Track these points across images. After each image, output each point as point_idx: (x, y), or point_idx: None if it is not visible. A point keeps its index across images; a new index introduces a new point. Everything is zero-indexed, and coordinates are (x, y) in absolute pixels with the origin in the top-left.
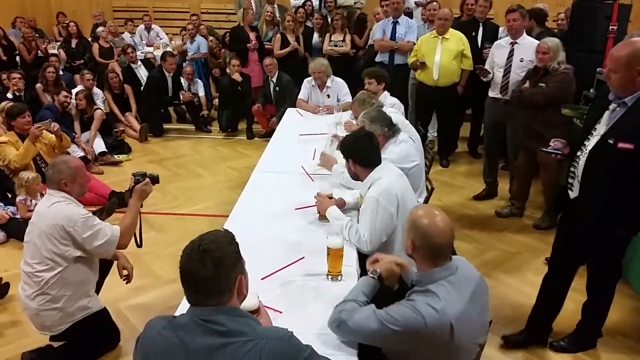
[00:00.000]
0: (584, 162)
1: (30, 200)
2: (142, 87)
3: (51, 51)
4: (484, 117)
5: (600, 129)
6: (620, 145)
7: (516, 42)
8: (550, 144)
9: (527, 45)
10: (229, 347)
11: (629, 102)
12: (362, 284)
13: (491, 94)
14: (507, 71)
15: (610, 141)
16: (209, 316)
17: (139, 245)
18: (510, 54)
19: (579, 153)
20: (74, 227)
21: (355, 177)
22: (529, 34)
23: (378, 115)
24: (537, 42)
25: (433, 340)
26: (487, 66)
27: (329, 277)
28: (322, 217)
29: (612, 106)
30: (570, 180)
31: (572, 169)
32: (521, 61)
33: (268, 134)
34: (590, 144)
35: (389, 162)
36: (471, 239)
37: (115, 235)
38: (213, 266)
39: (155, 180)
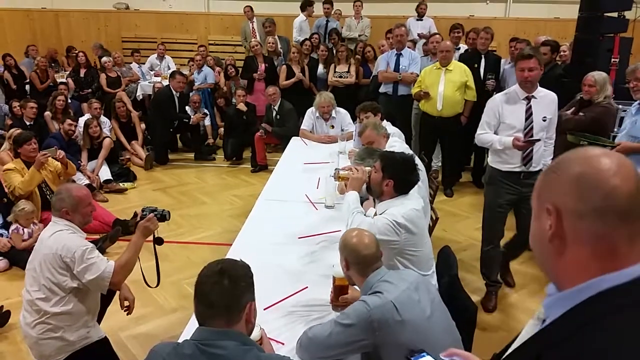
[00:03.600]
0: None
1: (23, 230)
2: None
3: (60, 80)
4: (488, 200)
5: None
6: None
7: (533, 96)
8: None
9: (547, 100)
10: None
11: None
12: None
13: (503, 166)
14: (528, 135)
15: None
16: (215, 339)
17: (155, 285)
18: (529, 112)
19: None
20: (71, 258)
21: (378, 193)
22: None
23: (368, 151)
24: (554, 95)
25: (385, 322)
26: (484, 127)
27: (334, 308)
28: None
29: None
30: None
31: None
32: (544, 120)
33: (261, 168)
34: None
35: (416, 193)
36: (476, 270)
37: (108, 271)
38: (229, 283)
39: (163, 217)
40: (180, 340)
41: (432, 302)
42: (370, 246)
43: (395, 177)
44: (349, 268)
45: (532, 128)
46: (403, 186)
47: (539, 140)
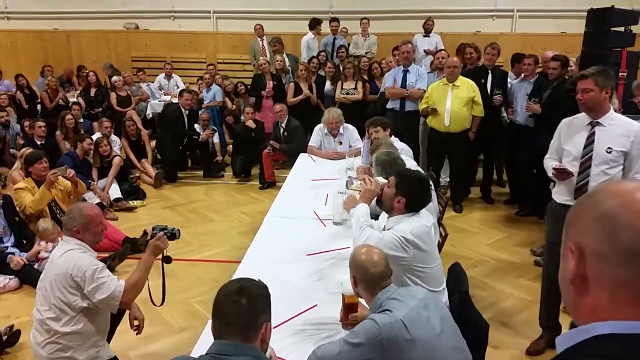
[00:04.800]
0: None
1: (48, 243)
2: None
3: (71, 99)
4: (545, 234)
5: None
6: None
7: (599, 123)
8: None
9: (622, 129)
10: None
11: None
12: None
13: (559, 198)
14: (585, 165)
15: None
16: (230, 353)
17: (160, 304)
18: (590, 139)
19: None
20: (82, 277)
21: (388, 208)
22: (550, 80)
23: (387, 161)
24: (635, 123)
25: (395, 340)
26: (551, 154)
27: (344, 326)
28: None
29: None
30: None
31: None
32: (608, 152)
33: (269, 184)
34: None
35: (427, 212)
36: (487, 286)
37: (119, 291)
38: (247, 301)
39: (173, 236)
40: None
41: (442, 319)
42: (379, 264)
43: (408, 195)
44: (357, 285)
45: (590, 158)
46: (414, 205)
47: (568, 171)
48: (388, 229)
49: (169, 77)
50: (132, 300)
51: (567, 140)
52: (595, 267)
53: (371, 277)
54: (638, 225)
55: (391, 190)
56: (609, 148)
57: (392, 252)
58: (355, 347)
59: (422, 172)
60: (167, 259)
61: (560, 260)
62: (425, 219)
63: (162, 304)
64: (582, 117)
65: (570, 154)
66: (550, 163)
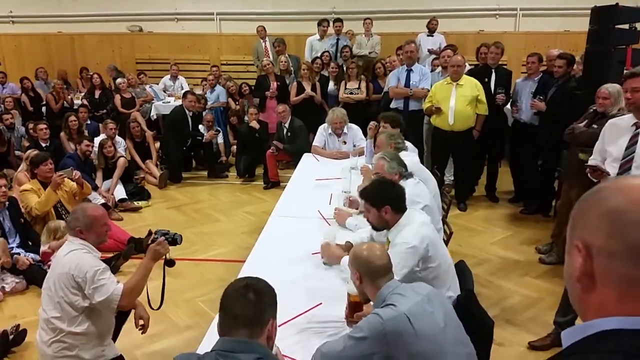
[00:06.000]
0: None
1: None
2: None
3: (76, 102)
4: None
5: None
6: None
7: None
8: None
9: None
10: None
11: None
12: None
13: None
14: (625, 167)
15: None
16: (235, 350)
17: (158, 307)
18: (633, 140)
19: None
20: (83, 278)
21: (384, 225)
22: (555, 78)
23: (396, 155)
24: None
25: (399, 334)
26: (595, 154)
27: (349, 324)
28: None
29: None
30: None
31: None
32: None
33: (273, 184)
34: None
35: (414, 209)
36: (492, 284)
37: (116, 294)
38: (254, 296)
39: (174, 241)
40: None
41: (446, 315)
42: (382, 257)
43: (390, 201)
44: (362, 281)
45: (631, 159)
46: (398, 204)
47: (602, 170)
48: (394, 242)
49: (174, 78)
50: (130, 305)
51: (611, 141)
52: (603, 265)
53: (376, 269)
54: None
55: (372, 211)
56: None
57: (406, 269)
58: (359, 341)
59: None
60: (170, 263)
61: (566, 257)
62: (422, 216)
63: (159, 307)
64: (627, 119)
65: (612, 155)
66: (590, 162)
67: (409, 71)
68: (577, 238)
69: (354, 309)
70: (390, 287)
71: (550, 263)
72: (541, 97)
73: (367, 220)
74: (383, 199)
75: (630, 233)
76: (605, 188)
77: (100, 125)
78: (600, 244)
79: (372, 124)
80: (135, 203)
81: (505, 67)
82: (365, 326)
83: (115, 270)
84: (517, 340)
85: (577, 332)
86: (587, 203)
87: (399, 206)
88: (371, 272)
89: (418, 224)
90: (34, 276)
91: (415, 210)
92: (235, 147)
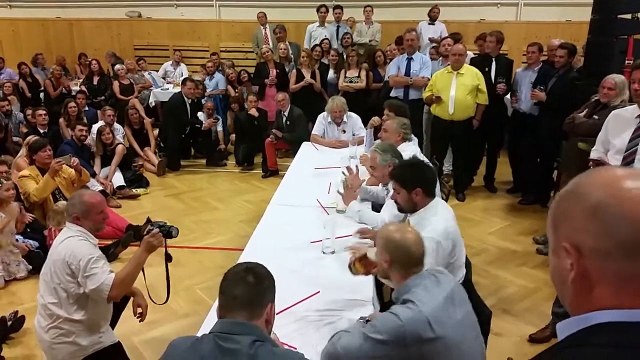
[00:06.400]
0: None
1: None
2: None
3: (74, 88)
4: None
5: None
6: None
7: None
8: None
9: None
10: None
11: None
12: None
13: None
14: (628, 159)
15: None
16: (233, 332)
17: (164, 302)
18: (637, 133)
19: None
20: (77, 265)
21: (412, 207)
22: (556, 69)
23: (390, 147)
24: None
25: (418, 337)
26: (597, 145)
27: (354, 272)
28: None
29: None
30: None
31: None
32: None
33: (272, 173)
34: None
35: (439, 199)
36: (489, 274)
37: (107, 284)
38: (254, 279)
39: (169, 234)
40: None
41: (466, 310)
42: (419, 244)
43: (422, 183)
44: (391, 266)
45: (635, 151)
46: (430, 187)
47: (604, 162)
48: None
49: (177, 64)
50: (120, 295)
51: (614, 133)
52: (596, 264)
53: (410, 258)
54: (633, 215)
55: (402, 192)
56: None
57: (444, 255)
58: (378, 344)
59: (426, 160)
60: (169, 257)
61: (551, 257)
62: (445, 211)
63: (165, 302)
64: (631, 110)
65: (615, 147)
66: (592, 155)
67: (409, 60)
68: (564, 239)
69: (365, 265)
70: (418, 279)
71: (547, 254)
72: (541, 87)
73: (395, 201)
74: (416, 180)
75: (617, 229)
76: (583, 183)
77: (99, 111)
78: (591, 245)
79: (375, 119)
80: (134, 190)
81: (506, 56)
82: (383, 328)
83: (114, 257)
84: (515, 330)
85: (572, 325)
86: (567, 201)
87: (431, 190)
88: (405, 261)
89: (443, 219)
90: (35, 261)
91: (442, 202)
92: (234, 135)
